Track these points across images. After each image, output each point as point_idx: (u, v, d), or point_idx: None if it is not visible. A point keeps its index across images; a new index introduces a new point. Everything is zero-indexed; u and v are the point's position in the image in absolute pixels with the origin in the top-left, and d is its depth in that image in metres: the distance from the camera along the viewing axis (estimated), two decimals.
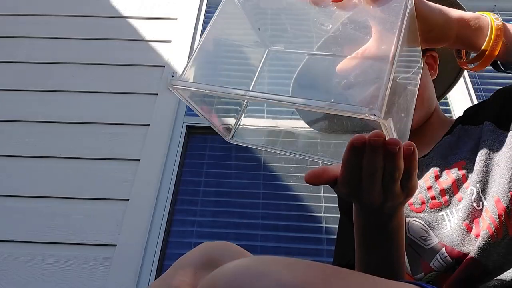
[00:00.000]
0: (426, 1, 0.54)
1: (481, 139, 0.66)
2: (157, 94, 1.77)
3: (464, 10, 0.77)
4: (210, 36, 0.54)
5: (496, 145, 0.64)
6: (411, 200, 0.68)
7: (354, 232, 0.59)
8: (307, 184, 0.50)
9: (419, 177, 0.71)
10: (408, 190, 0.48)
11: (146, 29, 1.98)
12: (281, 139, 0.73)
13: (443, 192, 0.66)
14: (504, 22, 0.57)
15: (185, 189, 1.58)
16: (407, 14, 0.46)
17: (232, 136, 0.65)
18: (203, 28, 2.07)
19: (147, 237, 1.40)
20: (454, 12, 0.56)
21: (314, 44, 0.60)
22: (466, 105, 1.78)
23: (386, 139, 0.43)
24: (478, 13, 0.58)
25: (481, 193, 0.62)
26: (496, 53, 0.55)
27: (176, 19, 2.02)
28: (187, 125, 1.72)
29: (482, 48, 0.55)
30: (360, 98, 0.43)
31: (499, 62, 0.59)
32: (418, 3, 0.52)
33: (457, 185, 0.66)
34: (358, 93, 0.46)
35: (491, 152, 0.64)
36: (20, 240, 1.40)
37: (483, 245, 0.57)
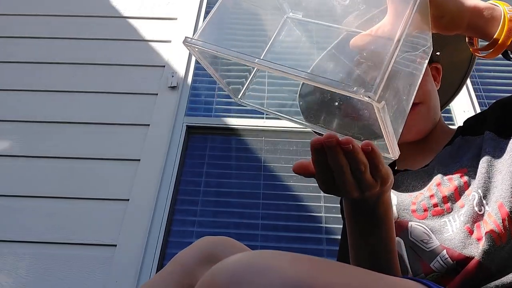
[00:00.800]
0: None
1: (483, 148, 0.68)
2: (157, 94, 1.77)
3: None
4: None
5: (497, 153, 0.65)
6: (415, 207, 0.70)
7: (346, 223, 0.62)
8: (295, 173, 0.53)
9: (422, 187, 0.73)
10: (381, 178, 0.51)
11: (146, 29, 1.98)
12: (287, 109, 0.73)
13: (445, 199, 0.67)
14: None
15: (185, 189, 1.58)
16: None
17: (240, 98, 0.66)
18: None
19: (147, 237, 1.40)
20: (469, 1, 0.56)
21: (334, 16, 0.61)
22: (467, 107, 1.77)
23: (340, 138, 0.47)
24: (491, 2, 0.58)
25: (483, 198, 0.63)
26: (509, 43, 0.56)
27: (176, 19, 2.02)
28: (187, 125, 1.72)
29: (495, 37, 0.56)
30: (365, 77, 0.44)
31: (509, 51, 0.60)
32: None
33: (459, 192, 0.67)
34: (365, 72, 0.47)
35: (493, 159, 0.65)
36: (20, 240, 1.40)
37: (488, 249, 0.58)
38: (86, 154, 1.60)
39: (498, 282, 0.57)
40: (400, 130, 0.50)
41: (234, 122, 1.74)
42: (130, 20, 2.02)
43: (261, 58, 0.49)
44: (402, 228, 0.71)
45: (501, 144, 0.66)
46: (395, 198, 0.75)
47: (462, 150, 0.72)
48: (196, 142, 1.72)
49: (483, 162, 0.65)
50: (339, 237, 1.49)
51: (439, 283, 0.63)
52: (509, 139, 0.65)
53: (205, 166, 1.65)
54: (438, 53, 0.84)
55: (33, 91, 1.78)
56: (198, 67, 1.93)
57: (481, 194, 0.63)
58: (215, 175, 1.62)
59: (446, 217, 0.67)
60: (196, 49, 0.51)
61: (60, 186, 1.52)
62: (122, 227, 1.41)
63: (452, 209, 0.67)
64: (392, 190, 0.76)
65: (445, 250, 0.64)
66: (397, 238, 0.71)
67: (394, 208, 0.74)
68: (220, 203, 1.55)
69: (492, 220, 0.60)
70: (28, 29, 1.98)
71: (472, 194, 0.64)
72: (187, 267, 0.66)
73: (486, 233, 0.59)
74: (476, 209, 0.62)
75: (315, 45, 0.70)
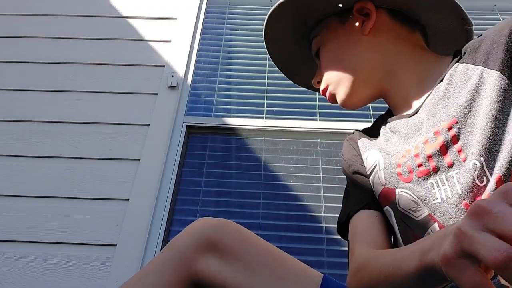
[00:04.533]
0: None
1: (483, 92, 0.56)
2: (157, 94, 1.77)
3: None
4: None
5: (506, 106, 0.54)
6: (400, 169, 0.64)
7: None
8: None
9: (410, 143, 0.65)
10: None
11: (146, 29, 1.98)
12: None
13: (430, 158, 0.60)
14: None
15: (185, 189, 1.58)
16: None
17: None
18: (203, 28, 2.07)
19: (147, 237, 1.40)
20: None
21: None
22: None
23: None
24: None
25: (486, 167, 0.53)
26: None
27: (175, 19, 2.02)
28: (187, 125, 1.72)
29: None
30: None
31: None
32: None
33: (446, 147, 0.58)
34: None
35: (501, 116, 0.54)
36: (20, 240, 1.40)
37: None
38: (86, 154, 1.60)
39: None
40: None
41: (234, 122, 1.74)
42: (130, 20, 2.01)
43: None
44: (391, 197, 0.65)
45: (509, 92, 0.54)
46: (382, 161, 0.69)
47: (454, 87, 0.61)
48: (196, 142, 1.72)
49: (487, 117, 0.54)
50: (339, 237, 1.49)
51: None
52: None
53: (205, 166, 1.65)
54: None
55: (33, 91, 1.78)
56: (198, 67, 1.93)
57: (484, 162, 0.53)
58: (215, 175, 1.62)
59: (433, 178, 0.59)
60: None
61: (60, 186, 1.52)
62: (122, 227, 1.41)
63: (439, 168, 0.59)
64: (380, 150, 0.71)
65: (436, 224, 0.58)
66: (387, 208, 0.67)
67: (382, 173, 0.68)
68: (220, 203, 1.55)
69: None
70: (28, 29, 1.98)
71: (473, 163, 0.54)
72: (184, 255, 0.63)
73: None
74: (477, 181, 0.54)
75: None
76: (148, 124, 1.67)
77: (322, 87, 0.82)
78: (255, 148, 1.70)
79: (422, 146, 0.61)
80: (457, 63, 0.63)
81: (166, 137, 1.64)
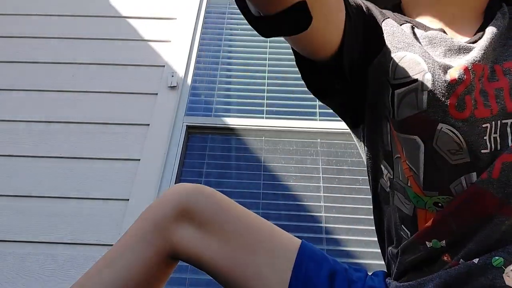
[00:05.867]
0: None
1: None
2: (157, 94, 1.77)
3: None
4: None
5: None
6: (455, 101, 0.51)
7: None
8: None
9: (463, 71, 0.52)
10: None
11: (146, 29, 1.98)
12: None
13: (492, 97, 0.52)
14: None
15: None
16: None
17: None
18: (203, 28, 2.07)
19: None
20: None
21: None
22: None
23: None
24: None
25: None
26: None
27: (175, 19, 2.02)
28: (187, 125, 1.72)
29: None
30: None
31: None
32: None
33: (509, 91, 0.52)
34: None
35: None
36: (20, 240, 1.40)
37: None
38: (86, 154, 1.60)
39: None
40: None
41: (234, 122, 1.74)
42: (130, 20, 2.01)
43: None
44: (427, 130, 0.53)
45: None
46: (430, 79, 0.52)
47: None
48: (196, 142, 1.72)
49: None
50: (339, 237, 1.50)
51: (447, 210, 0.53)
52: None
53: (205, 166, 1.65)
54: None
55: (33, 91, 1.78)
56: (198, 67, 1.93)
57: None
58: (215, 175, 1.62)
59: (489, 122, 0.51)
60: None
61: (60, 186, 1.52)
62: (122, 227, 1.41)
63: (498, 112, 0.51)
64: (427, 60, 0.54)
65: (474, 173, 0.51)
66: (416, 138, 0.54)
67: (425, 96, 0.52)
68: None
69: None
70: (28, 29, 1.98)
71: None
72: (160, 225, 0.60)
73: None
74: None
75: None
76: (148, 124, 1.67)
77: None
78: (255, 148, 1.70)
79: (483, 81, 0.53)
80: None
81: (166, 137, 1.64)
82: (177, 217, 0.60)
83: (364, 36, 0.57)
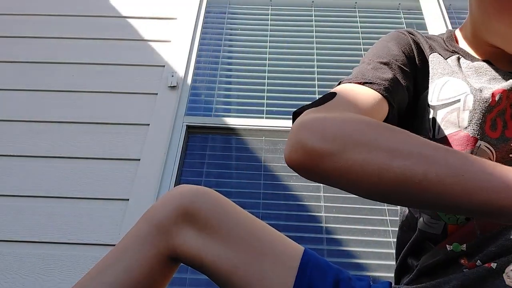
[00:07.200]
0: None
1: None
2: (157, 94, 1.77)
3: None
4: None
5: None
6: (489, 121, 0.57)
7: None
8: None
9: (498, 96, 0.57)
10: None
11: (145, 29, 1.98)
12: None
13: None
14: None
15: None
16: None
17: None
18: (203, 28, 2.07)
19: None
20: None
21: None
22: None
23: None
24: None
25: None
26: None
27: (175, 19, 2.02)
28: (187, 125, 1.72)
29: None
30: None
31: None
32: None
33: None
34: None
35: None
36: (20, 240, 1.40)
37: None
38: (86, 154, 1.60)
39: None
40: None
41: (234, 122, 1.74)
42: (130, 20, 2.01)
43: None
44: (467, 146, 0.57)
45: None
46: (471, 99, 0.58)
47: None
48: (196, 142, 1.72)
49: None
50: (339, 237, 1.50)
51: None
52: None
53: (205, 166, 1.65)
54: None
55: (33, 91, 1.78)
56: (198, 67, 1.93)
57: None
58: (215, 175, 1.62)
59: None
60: None
61: (60, 186, 1.52)
62: (122, 227, 1.41)
63: None
64: (468, 83, 0.60)
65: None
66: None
67: (466, 114, 0.58)
68: None
69: None
70: (28, 29, 1.98)
71: None
72: (162, 227, 0.60)
73: None
74: None
75: None
76: (148, 124, 1.67)
77: None
78: (255, 148, 1.70)
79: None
80: None
81: (166, 137, 1.64)
82: (179, 219, 0.60)
83: (411, 88, 0.64)
